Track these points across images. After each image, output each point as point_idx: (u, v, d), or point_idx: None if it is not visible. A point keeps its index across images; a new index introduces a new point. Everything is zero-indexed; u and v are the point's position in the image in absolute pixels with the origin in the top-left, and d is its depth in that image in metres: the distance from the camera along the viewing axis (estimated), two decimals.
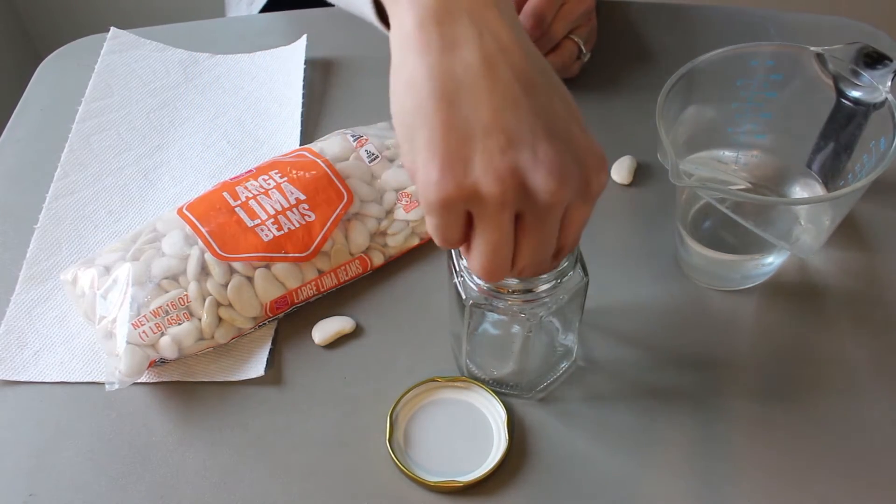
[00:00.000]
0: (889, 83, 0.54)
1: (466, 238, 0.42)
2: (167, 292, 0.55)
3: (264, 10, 0.88)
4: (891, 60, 0.54)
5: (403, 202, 0.62)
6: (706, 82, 0.57)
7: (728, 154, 0.61)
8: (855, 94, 0.55)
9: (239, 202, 0.58)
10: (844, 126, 0.56)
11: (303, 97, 0.73)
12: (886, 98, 0.53)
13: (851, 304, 0.59)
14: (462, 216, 0.41)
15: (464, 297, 0.50)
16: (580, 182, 0.41)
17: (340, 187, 0.60)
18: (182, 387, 0.56)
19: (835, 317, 0.58)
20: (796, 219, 0.57)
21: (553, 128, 0.40)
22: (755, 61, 0.58)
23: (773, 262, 0.59)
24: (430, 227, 0.41)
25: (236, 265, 0.56)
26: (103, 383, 0.54)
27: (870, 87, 0.54)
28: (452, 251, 0.51)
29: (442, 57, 0.40)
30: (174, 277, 0.55)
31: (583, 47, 0.72)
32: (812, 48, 0.56)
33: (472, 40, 0.40)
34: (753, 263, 0.59)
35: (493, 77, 0.39)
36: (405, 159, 0.42)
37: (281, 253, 0.57)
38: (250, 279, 0.56)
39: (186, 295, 0.55)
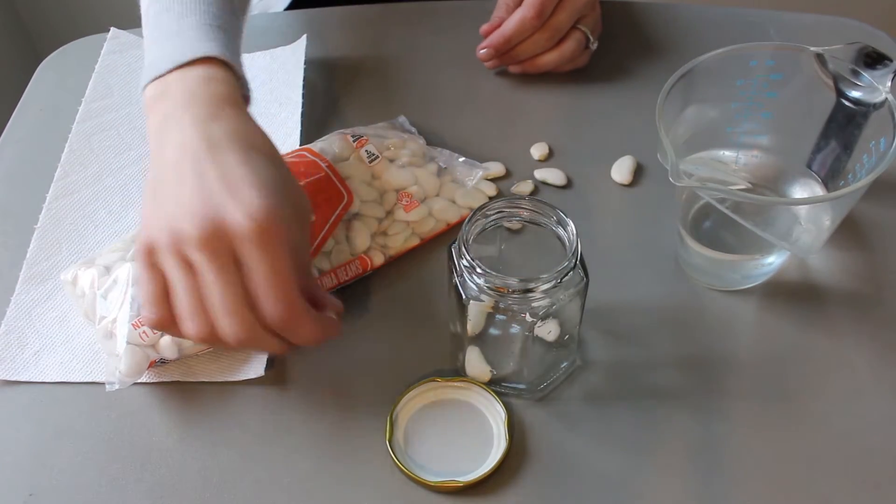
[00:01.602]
0: (889, 83, 0.54)
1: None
2: None
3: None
4: (891, 60, 0.54)
5: (404, 202, 0.62)
6: (706, 82, 0.57)
7: (728, 154, 0.61)
8: (855, 94, 0.55)
9: None
10: (844, 126, 0.56)
11: (303, 97, 0.73)
12: (886, 98, 0.53)
13: (851, 304, 0.59)
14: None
15: (464, 297, 0.50)
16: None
17: (340, 187, 0.60)
18: (182, 387, 0.56)
19: (835, 317, 0.58)
20: (796, 219, 0.57)
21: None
22: (755, 61, 0.58)
23: (773, 262, 0.59)
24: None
25: None
26: (103, 383, 0.54)
27: (870, 87, 0.54)
28: (453, 251, 0.51)
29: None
30: None
31: (590, 36, 0.72)
32: (812, 48, 0.56)
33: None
34: (753, 263, 0.60)
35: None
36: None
37: None
38: None
39: None
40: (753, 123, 0.60)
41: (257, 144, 0.50)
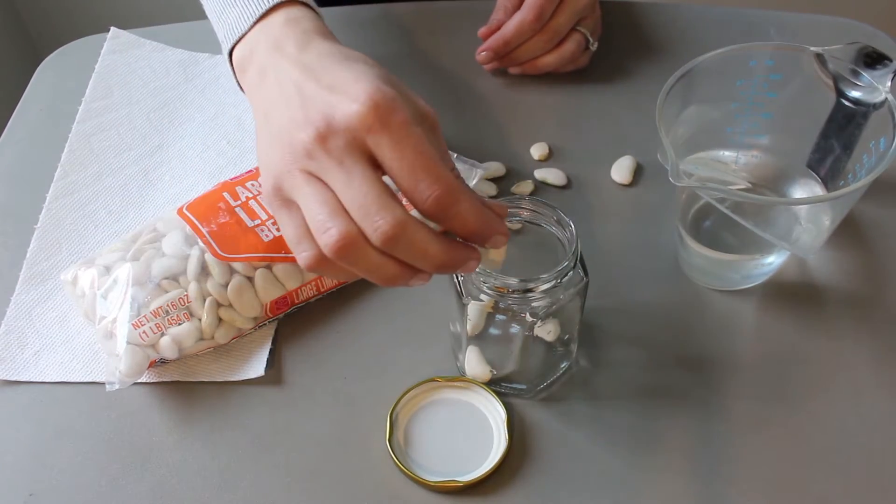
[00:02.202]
0: (889, 83, 0.54)
1: None
2: (167, 292, 0.55)
3: None
4: (891, 60, 0.54)
5: (404, 202, 0.62)
6: (706, 82, 0.57)
7: (728, 154, 0.61)
8: (855, 94, 0.55)
9: (239, 202, 0.58)
10: (844, 126, 0.56)
11: None
12: (886, 98, 0.53)
13: (851, 304, 0.59)
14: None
15: (464, 296, 0.50)
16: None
17: None
18: (182, 387, 0.56)
19: (835, 317, 0.58)
20: (796, 219, 0.57)
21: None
22: (755, 61, 0.58)
23: (773, 262, 0.59)
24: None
25: (236, 265, 0.56)
26: (103, 383, 0.54)
27: (870, 87, 0.54)
28: None
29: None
30: (174, 277, 0.55)
31: (590, 37, 0.72)
32: (812, 48, 0.56)
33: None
34: (753, 263, 0.60)
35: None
36: None
37: (281, 253, 0.57)
38: (250, 279, 0.56)
39: (186, 295, 0.55)
40: (753, 123, 0.60)
41: (355, 56, 0.48)
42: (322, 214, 0.42)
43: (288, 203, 0.44)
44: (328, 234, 0.42)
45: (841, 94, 0.56)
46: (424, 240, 0.42)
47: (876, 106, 0.54)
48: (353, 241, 0.42)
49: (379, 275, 0.43)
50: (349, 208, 0.42)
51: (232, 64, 0.55)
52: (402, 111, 0.42)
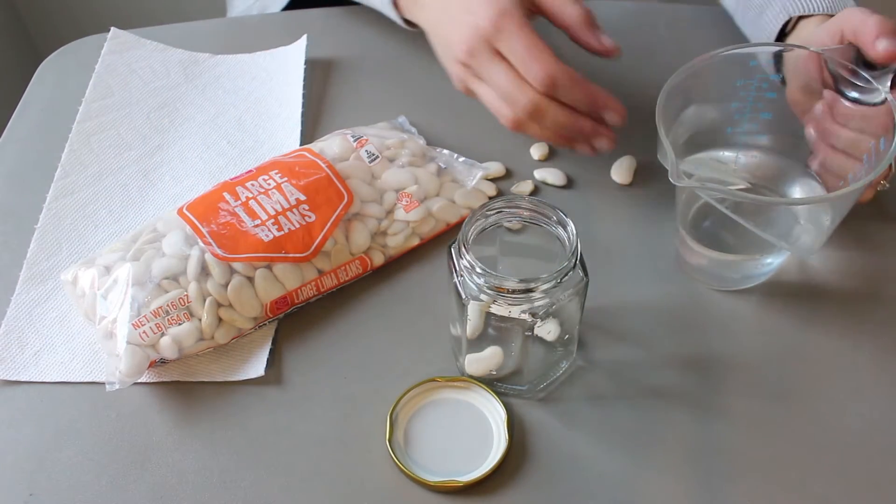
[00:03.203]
0: (888, 83, 0.54)
1: None
2: (167, 292, 0.55)
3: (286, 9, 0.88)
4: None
5: (403, 202, 0.62)
6: (706, 82, 0.57)
7: (728, 154, 0.61)
8: (854, 94, 0.55)
9: (239, 202, 0.58)
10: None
11: (303, 97, 0.73)
12: (886, 98, 0.53)
13: (851, 304, 0.59)
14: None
15: (464, 296, 0.50)
16: None
17: (340, 187, 0.60)
18: (182, 387, 0.56)
19: (835, 317, 0.58)
20: (796, 219, 0.57)
21: None
22: (755, 61, 0.58)
23: (772, 262, 0.59)
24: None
25: (236, 265, 0.56)
26: (103, 383, 0.54)
27: (869, 88, 0.54)
28: (452, 251, 0.51)
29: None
30: (174, 277, 0.55)
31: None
32: (812, 48, 0.56)
33: None
34: (753, 263, 0.60)
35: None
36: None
37: (281, 253, 0.57)
38: (250, 279, 0.56)
39: (187, 295, 0.55)
40: (753, 123, 0.60)
41: None
42: (498, 100, 0.61)
43: (469, 92, 0.65)
44: (505, 118, 0.62)
45: (841, 94, 0.56)
46: (575, 82, 0.60)
47: (875, 106, 0.54)
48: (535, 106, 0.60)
49: (562, 129, 0.61)
50: (502, 93, 0.61)
51: (398, 9, 0.71)
52: (517, 18, 0.59)
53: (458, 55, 0.62)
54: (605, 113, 0.61)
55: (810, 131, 0.59)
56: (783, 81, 0.59)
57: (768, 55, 0.59)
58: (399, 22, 0.72)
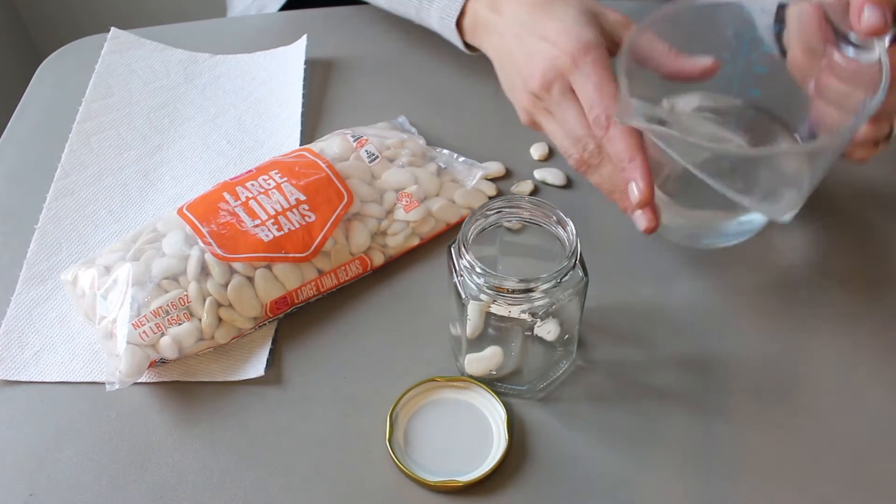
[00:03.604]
0: (887, 41, 0.52)
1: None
2: (167, 292, 0.55)
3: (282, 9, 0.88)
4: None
5: (403, 202, 0.62)
6: (696, 28, 0.55)
7: (723, 98, 0.59)
8: (852, 51, 0.54)
9: (239, 202, 0.58)
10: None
11: (303, 97, 0.73)
12: (879, 57, 0.52)
13: (851, 304, 0.59)
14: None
15: (463, 296, 0.50)
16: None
17: (340, 187, 0.60)
18: (182, 387, 0.56)
19: (835, 317, 0.58)
20: (774, 177, 0.55)
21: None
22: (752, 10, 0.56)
23: (751, 220, 0.58)
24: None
25: (236, 265, 0.56)
26: (103, 383, 0.54)
27: (867, 45, 0.53)
28: (452, 250, 0.51)
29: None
30: (174, 277, 0.55)
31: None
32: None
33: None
34: (727, 222, 0.58)
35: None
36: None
37: (281, 253, 0.57)
38: (250, 279, 0.56)
39: (186, 295, 0.55)
40: (747, 78, 0.58)
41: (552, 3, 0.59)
42: (566, 139, 0.58)
43: (535, 126, 0.61)
44: (571, 158, 0.58)
45: (837, 48, 0.54)
46: (625, 136, 0.54)
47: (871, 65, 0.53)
48: (584, 161, 0.58)
49: (610, 183, 0.58)
50: (569, 133, 0.58)
51: (461, 31, 0.67)
52: (590, 52, 0.55)
53: (531, 87, 0.58)
54: (631, 181, 0.55)
55: (811, 86, 0.57)
56: (783, 54, 0.57)
57: (769, 23, 0.57)
58: (460, 46, 0.69)
